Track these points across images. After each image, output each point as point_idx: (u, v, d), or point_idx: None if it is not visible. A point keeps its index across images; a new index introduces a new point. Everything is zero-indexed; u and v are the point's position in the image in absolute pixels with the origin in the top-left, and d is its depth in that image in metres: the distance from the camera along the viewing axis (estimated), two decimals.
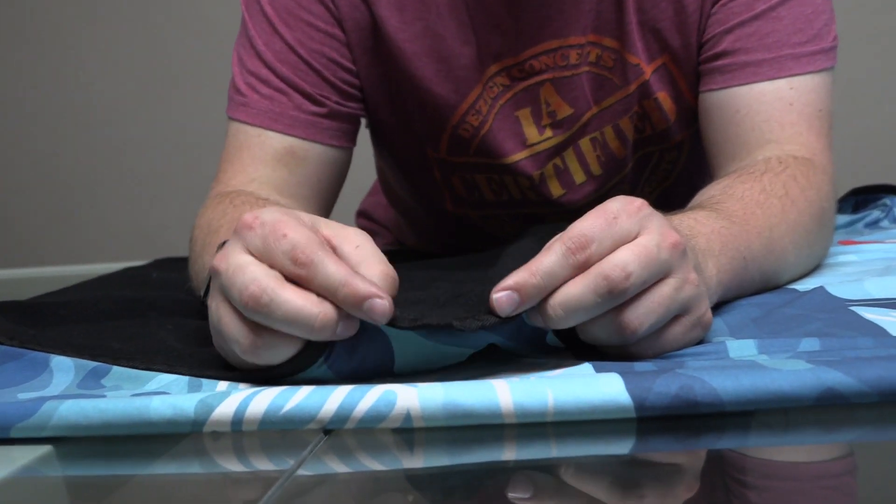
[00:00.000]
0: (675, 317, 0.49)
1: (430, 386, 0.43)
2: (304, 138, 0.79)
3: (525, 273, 0.47)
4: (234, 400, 0.44)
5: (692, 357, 0.49)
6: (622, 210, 0.48)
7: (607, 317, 0.47)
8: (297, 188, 0.79)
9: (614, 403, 0.42)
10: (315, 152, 0.80)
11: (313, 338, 0.46)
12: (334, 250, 0.50)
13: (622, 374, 0.43)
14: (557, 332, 0.50)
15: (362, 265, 0.49)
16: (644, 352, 0.49)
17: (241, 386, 0.48)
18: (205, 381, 0.50)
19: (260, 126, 0.79)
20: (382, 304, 0.45)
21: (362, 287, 0.45)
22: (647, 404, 0.42)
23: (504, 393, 0.42)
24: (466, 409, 0.42)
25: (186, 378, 0.50)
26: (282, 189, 0.78)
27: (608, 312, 0.47)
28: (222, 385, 0.48)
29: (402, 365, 0.49)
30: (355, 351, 0.48)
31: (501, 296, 0.47)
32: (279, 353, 0.47)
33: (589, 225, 0.47)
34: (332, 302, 0.46)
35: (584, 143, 0.84)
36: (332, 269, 0.46)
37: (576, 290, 0.46)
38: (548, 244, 0.48)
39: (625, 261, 0.46)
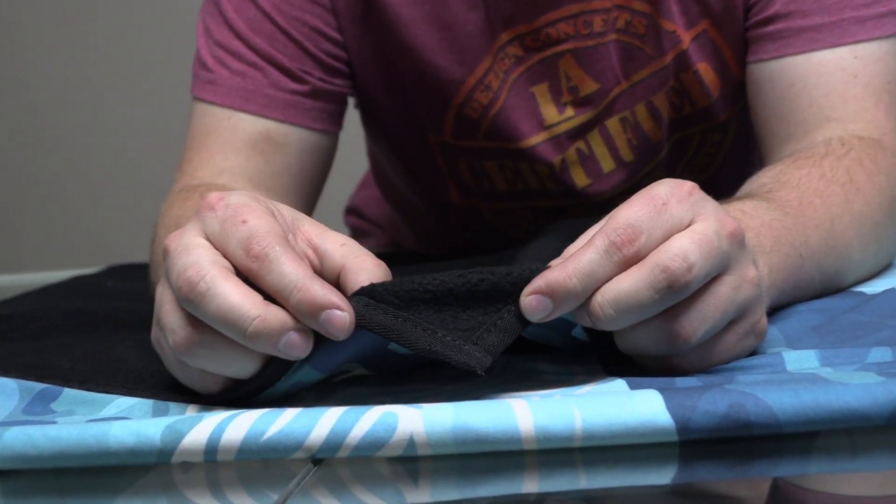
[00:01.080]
0: (729, 322, 0.50)
1: (438, 407, 0.44)
2: (282, 121, 0.80)
3: (560, 274, 0.46)
4: (207, 425, 0.44)
5: (743, 371, 0.49)
6: (671, 194, 0.48)
7: (655, 321, 0.48)
8: (275, 179, 0.80)
9: (653, 425, 0.42)
10: (295, 137, 0.81)
11: (248, 346, 0.46)
12: (315, 249, 0.51)
13: (661, 390, 0.44)
14: (588, 329, 0.51)
15: (349, 258, 0.49)
16: (690, 364, 0.49)
17: (216, 409, 0.48)
18: (172, 404, 0.50)
19: (230, 107, 0.80)
20: (342, 317, 0.45)
21: (320, 294, 0.45)
22: (692, 425, 0.42)
23: (524, 414, 0.43)
24: (480, 433, 0.43)
25: (150, 401, 0.51)
26: (257, 181, 0.79)
27: (657, 316, 0.47)
28: (193, 409, 0.49)
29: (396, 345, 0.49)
30: (341, 342, 0.47)
31: (531, 299, 0.46)
32: (219, 358, 0.47)
33: (636, 213, 0.47)
34: (283, 308, 0.46)
35: (613, 124, 0.84)
36: (288, 268, 0.46)
37: (629, 284, 0.46)
38: (587, 236, 0.48)
39: (685, 249, 0.47)
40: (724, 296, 0.48)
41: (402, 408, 0.44)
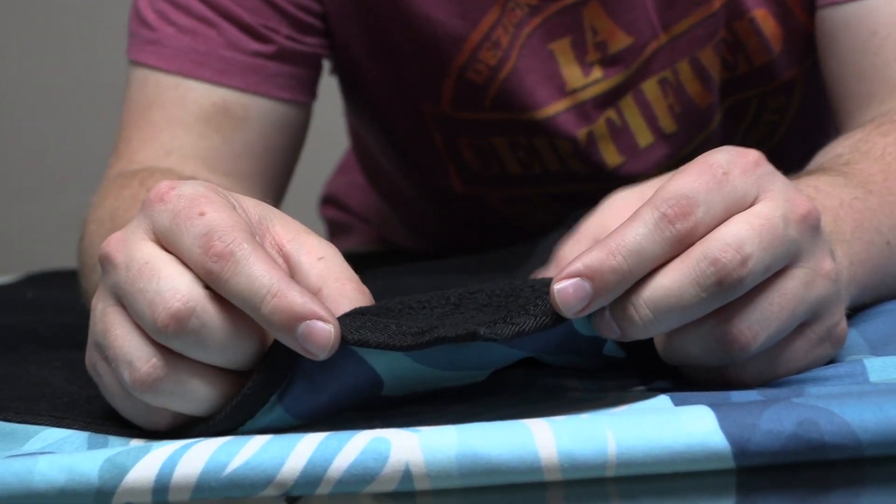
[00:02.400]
0: (800, 325, 0.50)
1: (439, 430, 0.44)
2: (241, 90, 0.80)
3: (602, 252, 0.47)
4: (156, 457, 0.45)
5: (815, 382, 0.50)
6: (733, 163, 0.49)
7: (706, 323, 0.48)
8: (234, 162, 0.80)
9: (704, 448, 0.43)
10: (259, 110, 0.81)
11: (265, 325, 0.46)
12: (286, 259, 0.51)
13: (714, 406, 0.44)
14: (623, 343, 0.51)
15: (327, 281, 0.50)
16: (750, 376, 0.50)
17: (166, 439, 0.49)
18: (113, 437, 0.51)
19: (178, 73, 0.80)
20: (325, 329, 0.46)
21: (298, 301, 0.46)
22: (752, 448, 0.43)
23: (545, 437, 0.43)
24: (491, 461, 0.43)
25: (85, 433, 0.51)
26: (213, 164, 0.80)
27: (708, 317, 0.48)
28: (137, 441, 0.49)
29: (394, 387, 0.50)
30: (321, 380, 0.49)
31: (566, 285, 0.46)
32: (188, 396, 0.48)
33: (691, 183, 0.48)
34: (248, 325, 0.47)
35: (650, 87, 0.85)
36: (258, 269, 0.46)
37: (670, 279, 0.47)
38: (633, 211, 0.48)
39: (740, 237, 0.47)
40: (792, 293, 0.49)
41: (396, 432, 0.44)
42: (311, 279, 0.50)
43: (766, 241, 0.47)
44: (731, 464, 0.43)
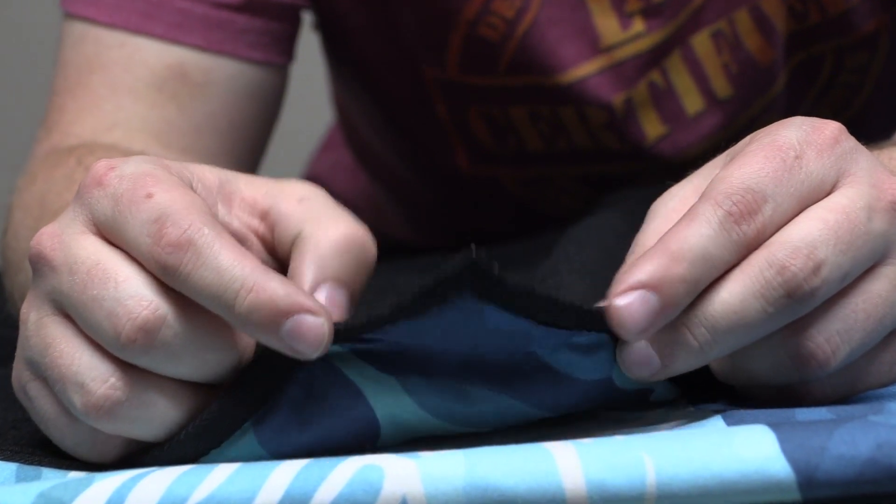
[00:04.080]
0: (889, 334, 0.50)
1: (442, 456, 0.45)
2: (203, 48, 0.81)
3: (664, 258, 0.47)
4: (100, 492, 0.45)
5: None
6: (807, 143, 0.49)
7: (777, 337, 0.49)
8: (194, 136, 0.81)
9: (762, 477, 0.43)
10: (223, 73, 0.81)
11: (239, 326, 0.47)
12: (264, 216, 0.52)
13: (774, 426, 0.44)
14: None
15: (308, 224, 0.50)
16: (823, 393, 0.50)
17: (109, 470, 0.49)
18: (47, 469, 0.51)
19: (124, 28, 0.80)
20: (316, 324, 0.46)
21: (281, 293, 0.46)
22: (820, 476, 0.43)
23: (570, 464, 0.44)
24: (506, 493, 0.43)
25: (13, 465, 0.51)
26: (166, 138, 0.80)
27: (778, 329, 0.48)
28: (76, 473, 0.50)
29: (392, 435, 0.51)
30: (309, 410, 0.49)
31: (631, 300, 0.47)
32: (157, 419, 0.48)
33: (757, 172, 0.48)
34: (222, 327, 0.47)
35: (701, 43, 0.85)
36: (226, 259, 0.47)
37: (730, 293, 0.47)
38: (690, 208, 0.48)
39: (811, 239, 0.48)
40: (880, 296, 0.49)
41: (390, 458, 0.45)
42: (290, 223, 0.51)
43: (845, 241, 0.48)
44: (796, 495, 0.43)
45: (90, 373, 0.48)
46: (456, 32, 0.85)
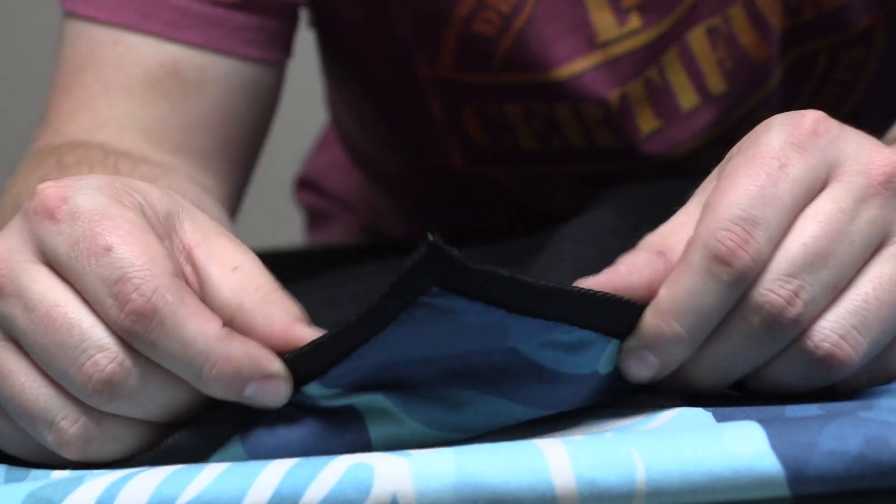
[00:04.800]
0: None
1: (433, 454, 0.45)
2: (198, 46, 0.80)
3: (654, 317, 0.49)
4: (90, 491, 0.45)
5: (889, 393, 0.50)
6: (789, 145, 0.49)
7: (793, 346, 0.49)
8: (186, 134, 0.80)
9: (752, 473, 0.43)
10: (218, 71, 0.81)
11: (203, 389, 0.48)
12: (195, 268, 0.51)
13: (764, 422, 0.44)
14: None
15: (246, 294, 0.49)
16: (862, 381, 0.51)
17: (100, 469, 0.49)
18: (33, 469, 0.51)
19: (120, 26, 0.80)
20: (275, 386, 0.47)
21: (245, 364, 0.47)
22: (810, 473, 0.43)
23: (560, 461, 0.44)
24: (496, 490, 0.43)
25: (3, 467, 0.51)
26: (158, 136, 0.79)
27: (794, 340, 0.49)
28: (60, 473, 0.50)
29: (383, 439, 0.51)
30: (296, 421, 0.49)
31: (633, 363, 0.50)
32: (128, 448, 0.49)
33: (743, 193, 0.49)
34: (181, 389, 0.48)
35: (697, 38, 0.85)
36: (191, 331, 0.47)
37: (722, 342, 0.49)
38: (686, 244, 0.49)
39: (787, 262, 0.48)
40: (890, 280, 0.49)
41: (381, 456, 0.45)
42: (224, 294, 0.50)
43: (823, 253, 0.48)
44: (785, 491, 0.43)
45: (60, 411, 0.48)
46: (450, 29, 0.84)
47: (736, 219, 0.48)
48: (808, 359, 0.49)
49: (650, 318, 0.49)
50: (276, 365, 0.47)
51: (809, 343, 0.48)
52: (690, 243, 0.49)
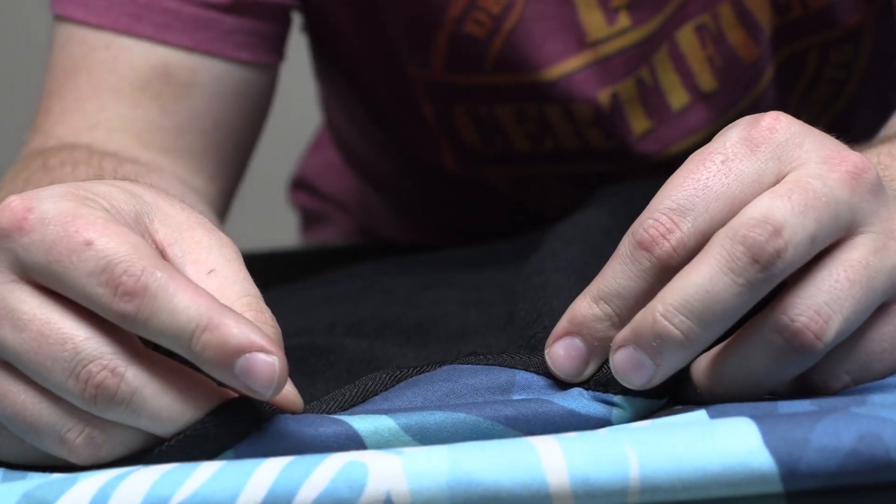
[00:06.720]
0: (881, 306, 0.50)
1: (426, 452, 0.45)
2: (189, 49, 0.80)
3: (583, 301, 0.50)
4: (84, 490, 0.45)
5: (883, 390, 0.50)
6: (737, 144, 0.50)
7: (765, 322, 0.48)
8: (177, 136, 0.80)
9: (745, 469, 0.43)
10: (210, 74, 0.81)
11: (196, 361, 0.47)
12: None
13: (756, 418, 0.44)
14: None
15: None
16: (844, 380, 0.50)
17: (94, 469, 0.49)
18: (33, 472, 0.50)
19: (111, 29, 0.80)
20: (267, 363, 0.46)
21: (234, 332, 0.46)
22: (802, 468, 0.43)
23: (553, 458, 0.44)
24: (489, 488, 0.43)
25: (0, 470, 0.51)
26: (149, 137, 0.79)
27: (765, 315, 0.48)
28: (59, 472, 0.50)
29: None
30: (288, 427, 0.49)
31: (557, 347, 0.51)
32: (136, 447, 0.49)
33: (675, 189, 0.49)
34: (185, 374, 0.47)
35: (685, 36, 0.85)
36: (181, 300, 0.47)
37: (698, 274, 0.48)
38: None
39: (764, 209, 0.48)
40: (861, 262, 0.49)
41: (374, 454, 0.45)
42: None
43: (801, 203, 0.48)
44: (778, 487, 0.43)
45: (64, 424, 0.48)
46: (441, 31, 0.84)
47: (665, 209, 0.49)
48: (781, 332, 0.48)
49: (579, 301, 0.51)
50: (270, 342, 0.47)
51: (785, 318, 0.48)
52: (628, 233, 0.50)
